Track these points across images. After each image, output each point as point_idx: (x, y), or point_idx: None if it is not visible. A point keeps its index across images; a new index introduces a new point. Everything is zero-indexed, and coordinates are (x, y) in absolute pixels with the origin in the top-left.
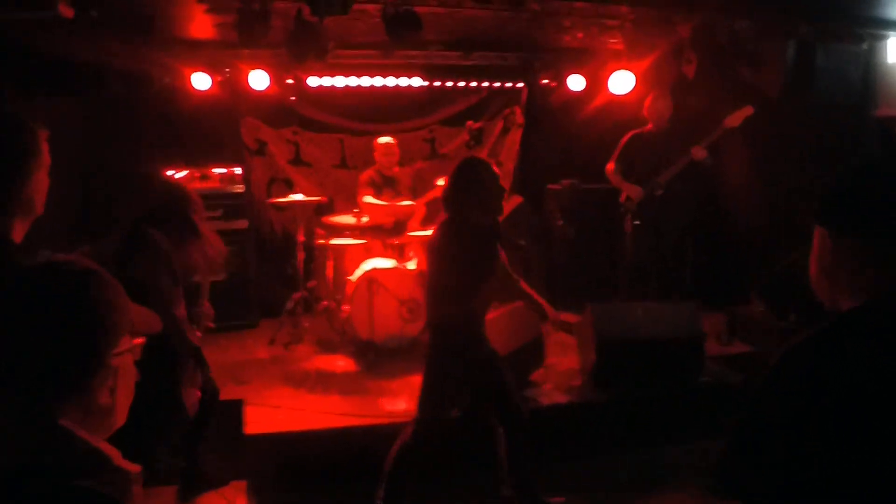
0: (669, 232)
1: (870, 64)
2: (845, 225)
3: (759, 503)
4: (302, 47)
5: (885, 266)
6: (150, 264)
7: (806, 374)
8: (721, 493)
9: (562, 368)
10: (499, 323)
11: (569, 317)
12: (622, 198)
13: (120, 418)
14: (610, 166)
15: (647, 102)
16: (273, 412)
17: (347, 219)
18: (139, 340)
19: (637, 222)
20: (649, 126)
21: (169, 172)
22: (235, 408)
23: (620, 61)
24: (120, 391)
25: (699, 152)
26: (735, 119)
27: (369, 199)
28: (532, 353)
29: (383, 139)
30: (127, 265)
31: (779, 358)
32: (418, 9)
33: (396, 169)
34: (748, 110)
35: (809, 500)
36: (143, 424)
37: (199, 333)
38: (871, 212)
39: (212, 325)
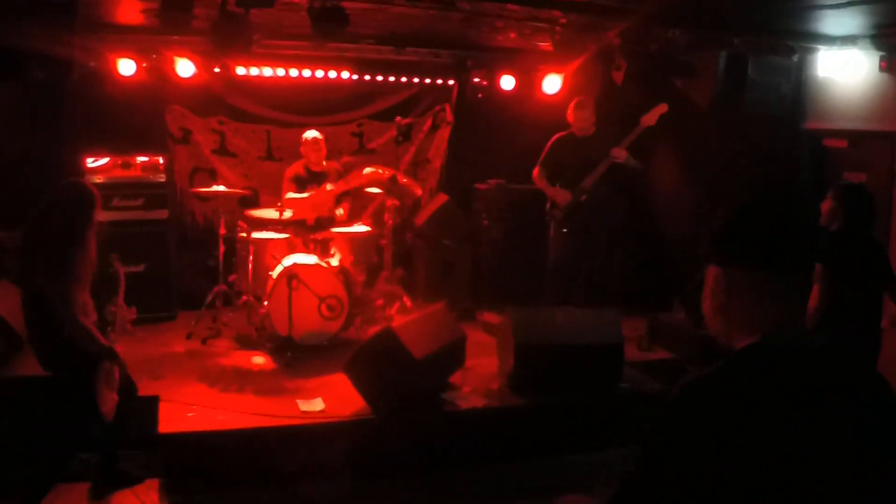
0: (596, 237)
1: (800, 77)
2: (738, 258)
3: None
4: (226, 38)
5: (777, 298)
6: (51, 276)
7: (701, 417)
8: None
9: (481, 371)
10: (419, 324)
11: (492, 317)
12: (548, 204)
13: None
14: (536, 171)
15: (570, 108)
16: (187, 410)
17: (270, 213)
18: None
19: (565, 230)
20: (573, 130)
21: (90, 160)
22: (150, 404)
23: (551, 63)
24: None
25: (619, 153)
26: (651, 117)
27: (291, 195)
28: (453, 354)
29: (310, 134)
30: (33, 277)
31: (672, 399)
32: (346, 4)
33: (324, 164)
34: (662, 108)
35: None
36: (60, 430)
37: (112, 334)
38: (762, 243)
39: (129, 326)
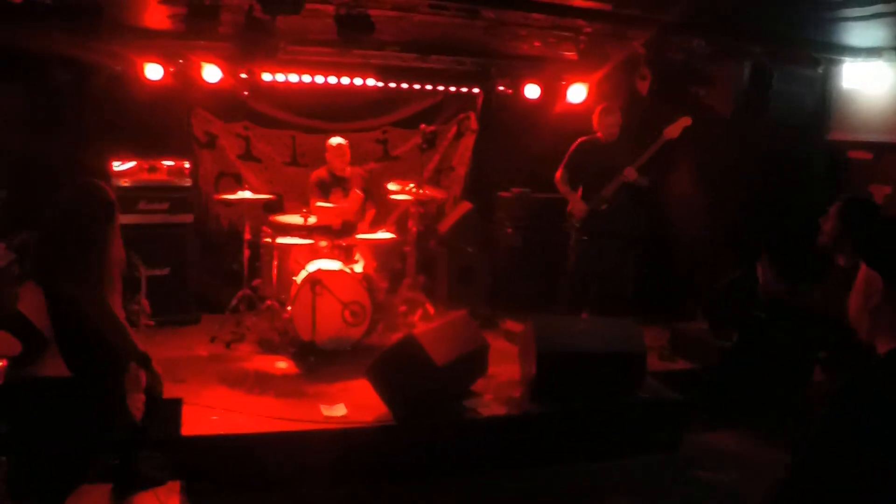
0: (614, 245)
1: (825, 88)
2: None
3: None
4: (251, 44)
5: None
6: (78, 283)
7: (863, 412)
8: None
9: (503, 379)
10: (441, 332)
11: (513, 325)
12: (568, 209)
13: None
14: (558, 174)
15: (596, 114)
16: (210, 413)
17: (295, 218)
18: (2, 364)
19: (585, 238)
20: (598, 135)
21: (116, 163)
22: (173, 407)
23: (576, 72)
24: None
25: (630, 173)
26: (674, 130)
27: (321, 203)
28: (475, 362)
29: (335, 140)
30: (57, 284)
31: (835, 397)
32: (372, 11)
33: (348, 170)
34: (686, 121)
35: None
36: (84, 431)
37: (138, 333)
38: None
39: (150, 322)
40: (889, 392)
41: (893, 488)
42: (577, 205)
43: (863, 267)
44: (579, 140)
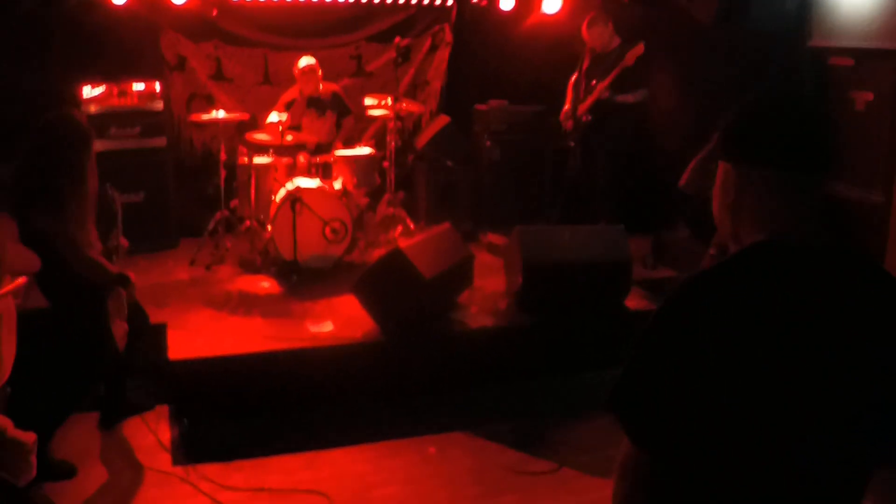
0: (596, 154)
1: None
2: (750, 155)
3: (645, 434)
4: None
5: (788, 197)
6: (50, 216)
7: (705, 305)
8: (615, 418)
9: (488, 290)
10: (426, 245)
11: (495, 238)
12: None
13: (6, 369)
14: (572, 79)
15: (583, 28)
16: (195, 336)
17: (270, 136)
18: (21, 280)
19: (571, 144)
20: (592, 47)
21: (86, 89)
22: (158, 332)
23: None
24: (4, 339)
25: (598, 92)
26: (630, 57)
27: (273, 117)
28: (461, 274)
29: (303, 61)
30: (29, 215)
31: (678, 287)
32: None
33: (322, 88)
34: (639, 49)
35: (694, 433)
36: (75, 366)
37: (118, 262)
38: (775, 139)
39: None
40: (725, 292)
41: (731, 394)
42: (563, 109)
43: (720, 165)
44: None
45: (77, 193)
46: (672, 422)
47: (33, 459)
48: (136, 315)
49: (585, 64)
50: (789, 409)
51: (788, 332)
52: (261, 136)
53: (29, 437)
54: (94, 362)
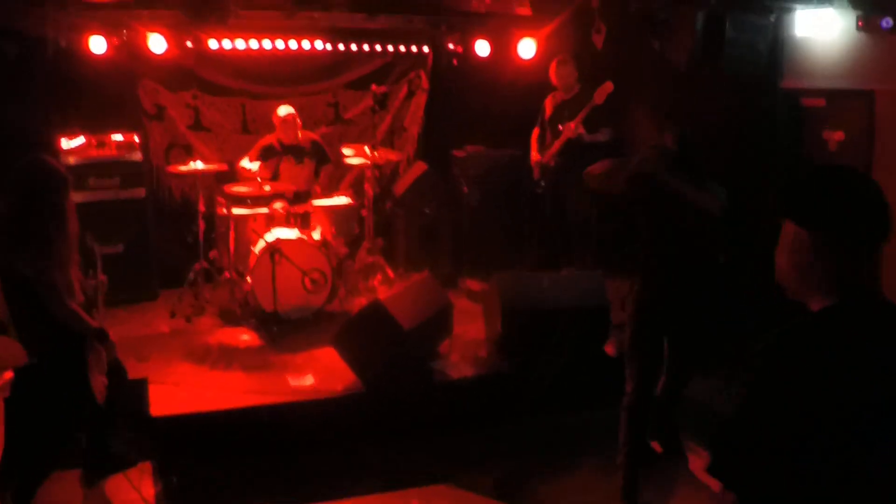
0: (570, 197)
1: (777, 36)
2: (826, 223)
3: (749, 490)
4: (203, 9)
5: (862, 259)
6: (37, 261)
7: (794, 365)
8: (717, 475)
9: (468, 338)
10: (406, 295)
11: (473, 284)
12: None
13: None
14: (535, 132)
15: (552, 67)
16: (176, 391)
17: (248, 188)
18: (8, 375)
19: (538, 191)
20: (558, 89)
21: (64, 140)
22: (139, 387)
23: (525, 26)
24: None
25: (569, 130)
26: (599, 95)
27: (245, 163)
28: (440, 323)
29: (283, 110)
30: (13, 261)
31: (766, 349)
32: None
33: (300, 136)
34: (608, 87)
35: (785, 479)
36: (56, 418)
37: (97, 314)
38: (860, 212)
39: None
40: (820, 350)
41: (824, 446)
42: (531, 157)
43: (786, 224)
44: (549, 96)
45: (62, 237)
46: (764, 468)
47: None
48: (115, 370)
49: (548, 113)
50: (880, 458)
51: (880, 386)
52: (239, 189)
53: None
54: (74, 414)
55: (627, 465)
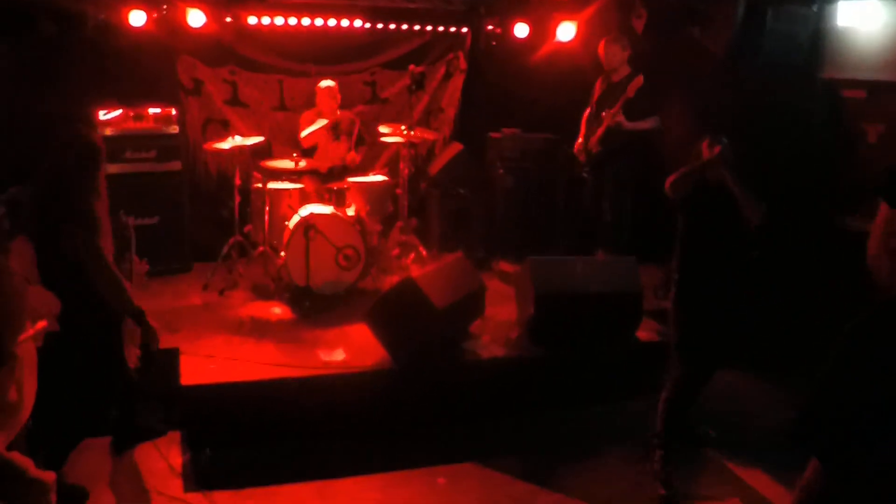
0: (609, 185)
1: (819, 26)
2: None
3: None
4: None
5: None
6: (82, 233)
7: (882, 346)
8: (800, 447)
9: (500, 320)
10: (439, 274)
11: (507, 266)
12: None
13: (27, 411)
14: (585, 114)
15: (601, 46)
16: (207, 362)
17: (285, 163)
18: (42, 324)
19: (584, 175)
20: (608, 75)
21: (101, 112)
22: (170, 357)
23: (565, 9)
24: (26, 383)
25: (609, 118)
26: (631, 89)
27: (305, 131)
28: (472, 304)
29: (325, 83)
30: (54, 235)
31: (850, 335)
32: None
33: (339, 113)
34: (639, 81)
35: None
36: (88, 387)
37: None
38: None
39: (144, 279)
40: None
41: None
42: (577, 141)
43: (883, 207)
44: (599, 78)
45: (102, 208)
46: (849, 438)
47: (53, 497)
48: (149, 343)
49: (596, 95)
50: None
51: None
52: (275, 164)
53: (49, 477)
54: (107, 386)
55: (663, 454)
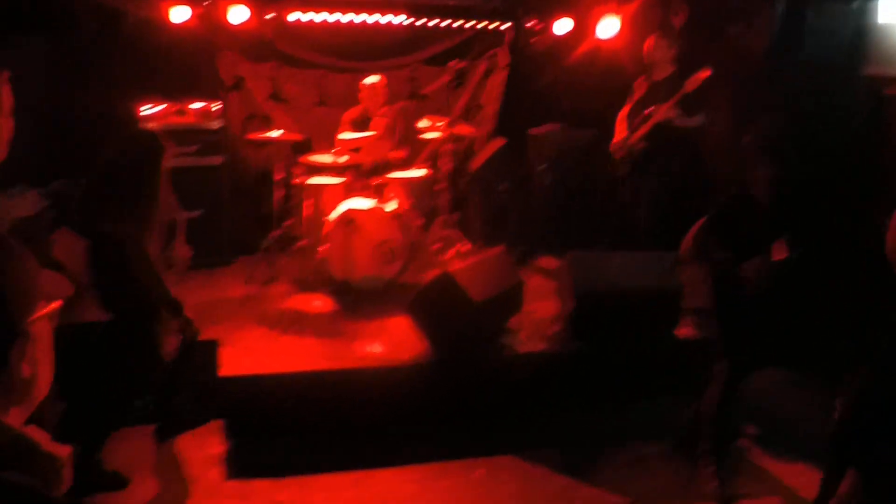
0: (651, 183)
1: (860, 23)
2: None
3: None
4: None
5: None
6: (118, 220)
7: None
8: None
9: (539, 315)
10: (477, 268)
11: (547, 262)
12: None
13: (42, 389)
14: (623, 111)
15: (650, 41)
16: (247, 353)
17: (326, 158)
18: (56, 304)
19: (622, 173)
20: (652, 73)
21: (144, 107)
22: (210, 348)
23: (607, 5)
24: (41, 361)
25: (660, 114)
26: (693, 83)
27: (345, 135)
28: (511, 299)
29: (370, 80)
30: (105, 225)
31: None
32: None
33: (384, 109)
34: (706, 72)
35: None
36: (125, 376)
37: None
38: None
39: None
40: None
41: None
42: (614, 139)
43: None
44: (641, 76)
45: (152, 206)
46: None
47: (66, 473)
48: (188, 335)
49: (637, 93)
50: None
51: None
52: (316, 158)
53: (63, 451)
54: (144, 373)
55: (711, 457)
